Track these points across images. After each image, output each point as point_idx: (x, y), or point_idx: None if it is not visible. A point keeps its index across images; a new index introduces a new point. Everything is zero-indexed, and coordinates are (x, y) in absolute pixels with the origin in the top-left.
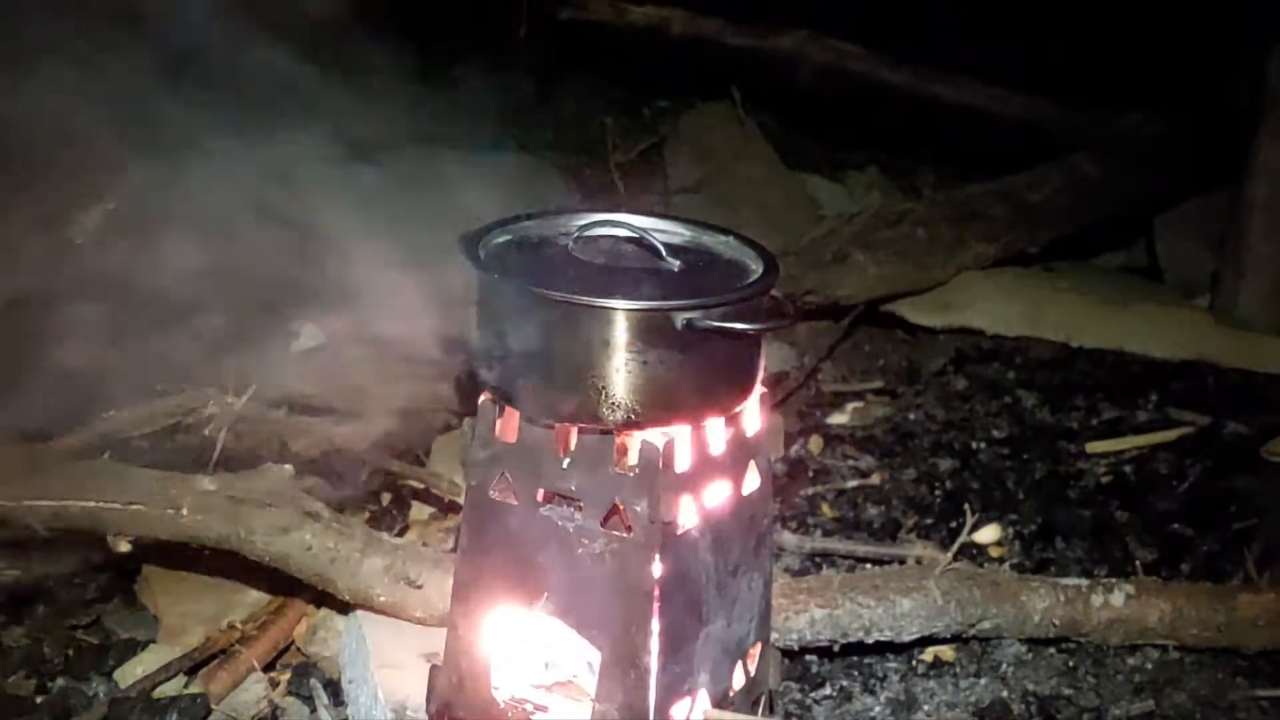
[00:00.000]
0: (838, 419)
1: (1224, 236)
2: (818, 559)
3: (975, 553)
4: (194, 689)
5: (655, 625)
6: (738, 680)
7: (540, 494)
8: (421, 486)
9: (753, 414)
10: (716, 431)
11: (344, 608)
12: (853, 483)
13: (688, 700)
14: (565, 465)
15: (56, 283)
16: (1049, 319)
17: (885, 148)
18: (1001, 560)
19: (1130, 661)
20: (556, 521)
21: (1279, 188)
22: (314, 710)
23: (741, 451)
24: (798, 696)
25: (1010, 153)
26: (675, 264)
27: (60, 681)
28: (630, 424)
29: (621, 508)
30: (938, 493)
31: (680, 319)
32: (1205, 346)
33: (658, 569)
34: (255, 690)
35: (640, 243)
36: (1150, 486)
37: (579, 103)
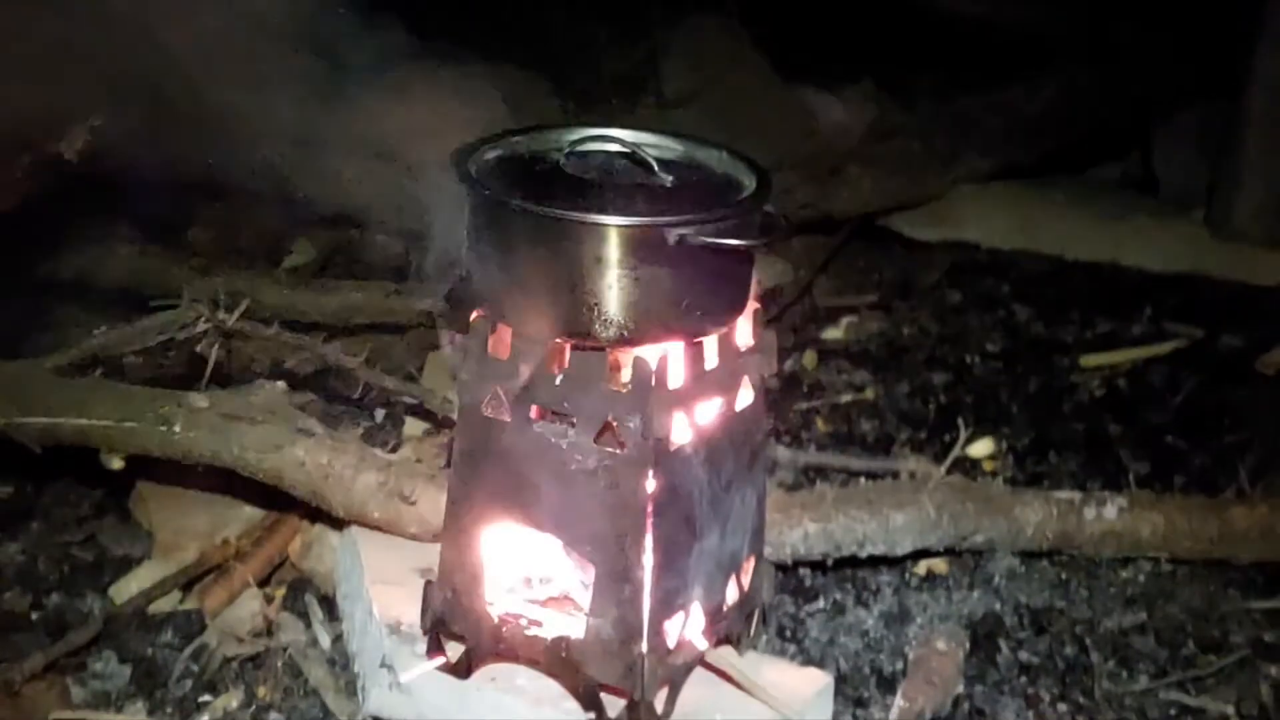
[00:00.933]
0: (832, 334)
1: (1220, 149)
2: (811, 473)
3: (969, 466)
4: (189, 605)
5: (648, 540)
6: (731, 594)
7: (533, 411)
8: (415, 402)
9: (746, 329)
10: (710, 347)
11: (338, 524)
12: (847, 397)
13: (681, 614)
14: (558, 382)
15: (47, 197)
16: (1044, 232)
17: (880, 59)
18: (995, 474)
19: (1123, 574)
20: (549, 438)
21: (1277, 100)
22: (309, 626)
23: (735, 367)
24: (791, 610)
25: (1006, 64)
26: (667, 179)
27: (55, 598)
28: (623, 340)
29: (614, 424)
30: (931, 407)
31: (673, 234)
32: (1200, 259)
33: (651, 485)
34: (250, 606)
35: (632, 157)
36: (1144, 400)
37: (569, 13)
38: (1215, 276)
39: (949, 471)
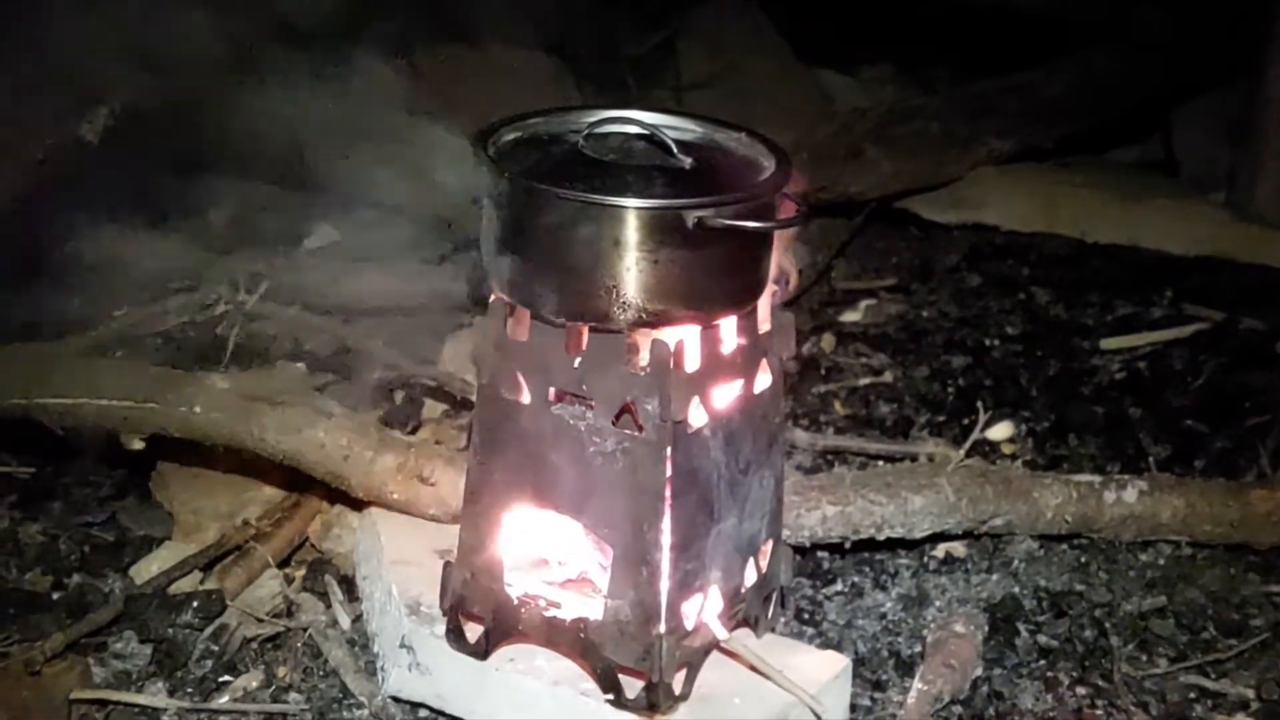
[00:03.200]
0: (850, 316)
1: (1241, 131)
2: (830, 456)
3: (988, 450)
4: (209, 585)
5: (666, 523)
6: (749, 577)
7: (552, 393)
8: (434, 384)
9: (764, 312)
10: (728, 330)
11: (358, 505)
12: (865, 380)
13: (699, 597)
14: (576, 364)
15: (67, 180)
16: (1063, 214)
17: (899, 42)
18: (1014, 457)
19: (1142, 557)
20: (568, 420)
21: None
22: (329, 606)
23: (753, 349)
24: (809, 592)
25: (1025, 47)
26: (686, 161)
27: (76, 578)
28: (641, 323)
29: (633, 406)
30: (950, 390)
31: (692, 217)
32: (1221, 242)
33: (669, 467)
34: (270, 586)
35: (651, 140)
36: (1164, 383)
37: None
38: (1236, 259)
39: (968, 455)
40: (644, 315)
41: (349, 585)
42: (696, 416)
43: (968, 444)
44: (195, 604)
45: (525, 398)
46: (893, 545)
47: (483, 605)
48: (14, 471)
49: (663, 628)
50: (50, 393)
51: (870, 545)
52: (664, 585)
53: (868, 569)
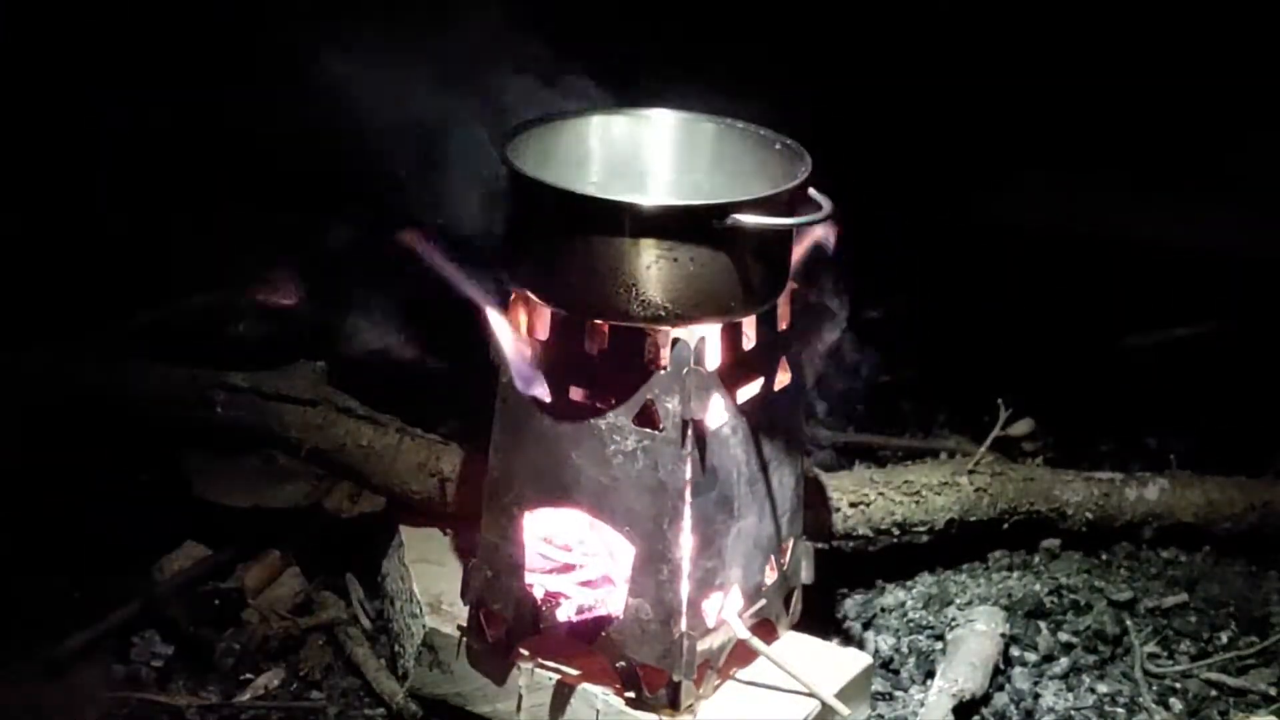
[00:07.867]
0: (871, 313)
1: (1261, 125)
2: (850, 453)
3: (1008, 446)
4: (230, 583)
5: (687, 521)
6: (770, 575)
7: (572, 391)
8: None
9: (784, 309)
10: (748, 327)
11: None
12: (885, 377)
13: (720, 595)
14: (597, 363)
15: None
16: (1087, 210)
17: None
18: (1035, 454)
19: (1164, 554)
20: (588, 418)
21: None
22: (350, 604)
23: (773, 347)
24: (830, 590)
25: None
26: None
27: (98, 576)
28: (661, 321)
29: (653, 404)
30: (971, 386)
31: (711, 216)
32: (1245, 238)
33: (689, 465)
34: (291, 584)
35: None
36: (1186, 379)
37: None
38: (1261, 255)
39: (989, 451)
40: (664, 313)
41: (370, 583)
42: (716, 415)
43: (988, 441)
44: (217, 602)
45: (545, 396)
46: (913, 543)
47: (504, 603)
48: (36, 470)
49: (684, 626)
50: (74, 391)
51: (891, 542)
52: (684, 583)
53: (888, 567)
